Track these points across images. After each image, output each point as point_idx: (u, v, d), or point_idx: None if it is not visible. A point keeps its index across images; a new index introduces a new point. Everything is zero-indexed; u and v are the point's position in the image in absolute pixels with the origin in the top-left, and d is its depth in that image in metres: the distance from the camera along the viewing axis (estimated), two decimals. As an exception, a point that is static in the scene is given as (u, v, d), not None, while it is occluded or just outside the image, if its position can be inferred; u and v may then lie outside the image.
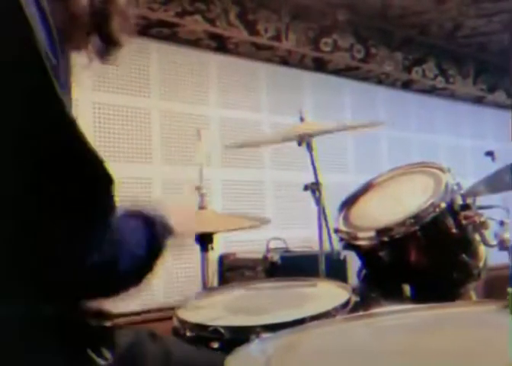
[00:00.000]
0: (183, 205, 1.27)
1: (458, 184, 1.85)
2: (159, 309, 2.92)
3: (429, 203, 1.76)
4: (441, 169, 1.92)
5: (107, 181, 0.80)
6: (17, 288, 0.80)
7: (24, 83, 0.75)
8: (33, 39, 0.74)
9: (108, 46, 0.96)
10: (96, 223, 0.81)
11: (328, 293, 1.65)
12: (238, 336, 1.36)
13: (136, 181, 3.00)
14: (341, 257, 2.72)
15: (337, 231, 1.92)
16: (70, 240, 0.79)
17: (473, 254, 1.82)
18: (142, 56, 3.14)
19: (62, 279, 0.82)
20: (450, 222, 1.80)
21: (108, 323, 0.99)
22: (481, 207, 1.88)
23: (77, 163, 0.78)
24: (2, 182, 0.76)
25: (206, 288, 2.22)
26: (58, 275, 0.81)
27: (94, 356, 0.89)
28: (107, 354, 0.90)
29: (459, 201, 1.83)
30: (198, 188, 2.03)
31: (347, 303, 1.49)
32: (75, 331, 0.94)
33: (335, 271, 2.24)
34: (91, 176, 0.79)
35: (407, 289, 1.74)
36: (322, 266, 2.16)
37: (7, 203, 0.76)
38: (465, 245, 1.83)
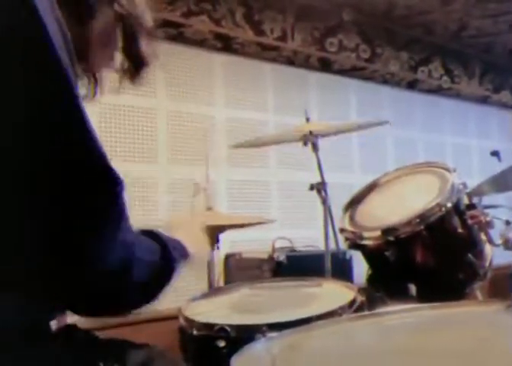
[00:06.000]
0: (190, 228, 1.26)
1: (464, 184, 1.85)
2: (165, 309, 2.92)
3: (435, 203, 1.76)
4: (447, 169, 1.92)
5: (116, 183, 0.80)
6: (29, 297, 0.80)
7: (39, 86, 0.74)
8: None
9: (137, 66, 0.97)
10: (108, 226, 0.80)
11: (334, 293, 1.65)
12: (244, 335, 1.36)
13: (141, 182, 3.01)
14: (347, 256, 2.72)
15: (342, 231, 1.92)
16: (84, 243, 0.78)
17: (479, 253, 1.82)
18: (148, 57, 3.14)
19: (78, 289, 0.81)
20: (456, 222, 1.80)
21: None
22: (486, 207, 1.88)
23: (86, 167, 0.77)
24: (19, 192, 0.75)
25: (212, 287, 2.23)
26: (74, 284, 0.80)
27: None
28: None
29: (465, 201, 1.83)
30: (204, 188, 2.04)
31: (352, 303, 1.49)
32: (85, 343, 0.94)
33: (341, 270, 2.24)
34: (99, 179, 0.78)
35: (412, 288, 1.74)
36: (328, 266, 2.17)
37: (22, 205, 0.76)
38: (471, 244, 1.82)
